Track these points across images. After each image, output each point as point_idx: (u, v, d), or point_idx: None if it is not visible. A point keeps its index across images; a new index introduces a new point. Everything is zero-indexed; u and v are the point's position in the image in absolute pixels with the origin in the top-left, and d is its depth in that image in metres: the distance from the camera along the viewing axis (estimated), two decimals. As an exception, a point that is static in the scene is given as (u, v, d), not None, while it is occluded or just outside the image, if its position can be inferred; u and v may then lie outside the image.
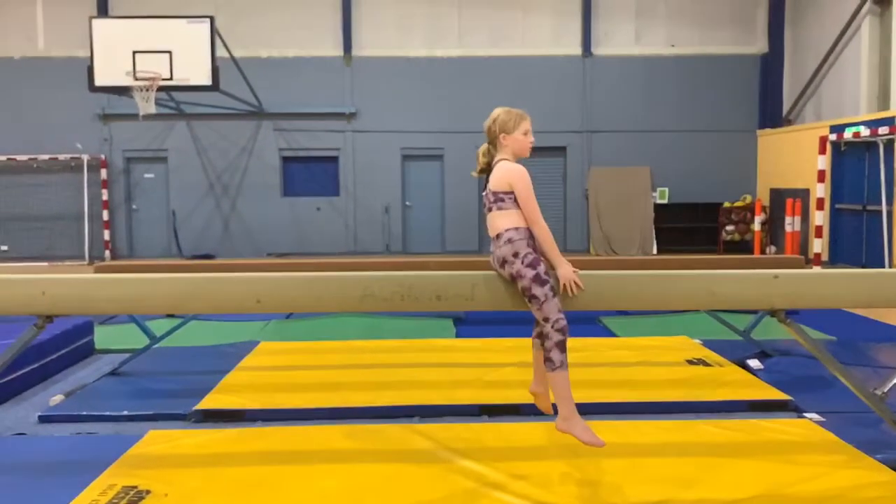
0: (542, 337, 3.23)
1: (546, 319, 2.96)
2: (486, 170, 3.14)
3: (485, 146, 3.16)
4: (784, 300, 3.11)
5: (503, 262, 3.01)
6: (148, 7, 12.65)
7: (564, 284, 3.00)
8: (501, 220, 3.02)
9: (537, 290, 2.94)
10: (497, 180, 3.04)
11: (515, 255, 2.97)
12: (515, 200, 3.01)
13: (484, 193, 3.12)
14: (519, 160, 3.10)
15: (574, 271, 3.02)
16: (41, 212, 13.52)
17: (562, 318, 2.96)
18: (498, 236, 3.02)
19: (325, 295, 3.15)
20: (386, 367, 5.12)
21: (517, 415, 4.18)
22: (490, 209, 3.07)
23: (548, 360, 3.00)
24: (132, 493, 3.06)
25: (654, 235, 13.35)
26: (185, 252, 13.56)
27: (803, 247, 11.44)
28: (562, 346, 2.98)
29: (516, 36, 13.78)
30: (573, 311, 3.07)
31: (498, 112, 3.11)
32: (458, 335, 6.37)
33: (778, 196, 12.86)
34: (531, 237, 3.01)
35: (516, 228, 2.99)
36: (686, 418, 4.07)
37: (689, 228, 13.57)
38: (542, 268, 2.97)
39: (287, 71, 13.48)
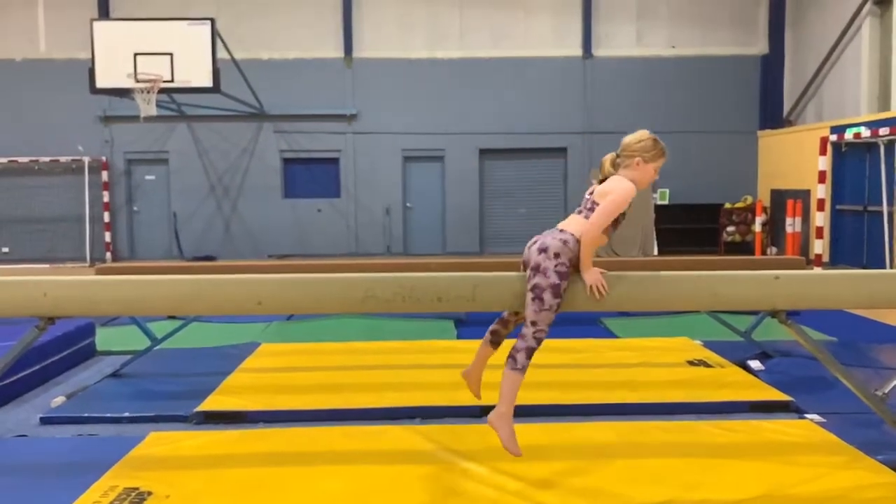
0: (497, 335, 3.26)
1: (534, 323, 2.97)
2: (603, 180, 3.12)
3: (613, 156, 3.13)
4: (785, 301, 3.11)
5: (543, 250, 2.96)
6: (149, 9, 12.66)
7: (591, 286, 2.98)
8: (576, 225, 3.00)
9: (548, 297, 2.94)
10: (603, 191, 3.02)
11: (557, 255, 2.94)
12: (614, 222, 3.00)
13: (585, 196, 3.08)
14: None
15: (602, 273, 3.01)
16: (42, 214, 13.54)
17: (546, 331, 2.99)
18: (561, 231, 3.01)
19: (327, 296, 3.15)
20: (387, 368, 5.13)
21: (518, 416, 4.16)
22: (580, 212, 3.05)
23: (513, 358, 3.01)
24: (133, 494, 3.06)
25: (654, 236, 13.34)
26: (187, 254, 13.57)
27: (804, 248, 11.44)
28: (531, 354, 3.01)
29: (517, 37, 13.79)
30: (574, 311, 3.07)
31: (646, 136, 3.09)
32: (459, 336, 6.37)
33: (779, 197, 12.86)
34: (577, 258, 2.99)
35: (578, 240, 2.97)
36: (687, 419, 4.06)
37: (690, 229, 13.56)
38: (565, 283, 2.97)
39: (288, 72, 13.50)
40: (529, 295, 2.98)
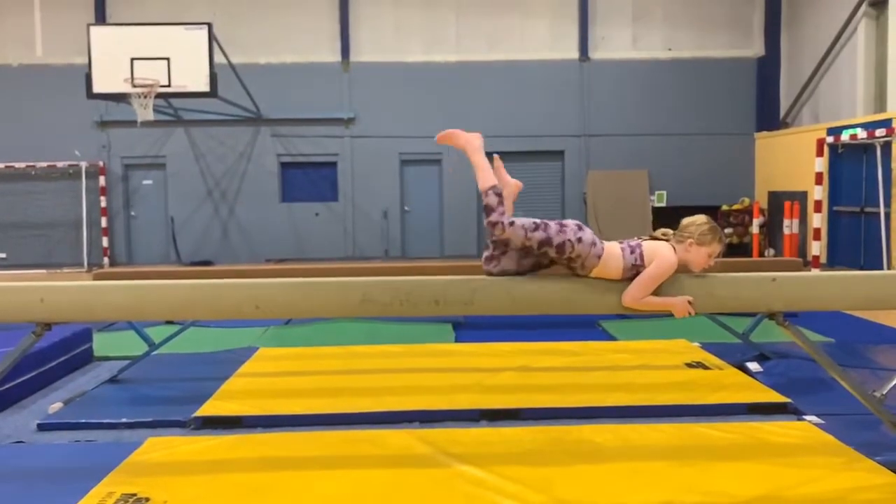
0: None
1: (512, 224, 3.01)
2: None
3: (670, 231, 3.14)
4: (782, 303, 3.11)
5: (580, 227, 3.04)
6: (146, 14, 12.67)
7: (685, 314, 3.03)
8: (609, 247, 3.04)
9: (538, 234, 3.01)
10: (653, 249, 3.04)
11: (581, 240, 2.99)
12: (628, 269, 3.01)
13: (639, 240, 3.10)
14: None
15: (686, 299, 3.03)
16: (39, 219, 13.52)
17: (507, 224, 3.01)
18: (594, 244, 3.03)
19: (324, 300, 3.15)
20: (385, 372, 5.12)
21: (517, 419, 4.17)
22: (621, 242, 3.08)
23: (487, 207, 3.09)
24: (131, 500, 3.05)
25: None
26: (184, 258, 13.55)
27: (802, 249, 11.46)
28: (489, 209, 3.08)
29: (514, 41, 13.81)
30: (573, 314, 3.07)
31: (704, 221, 3.09)
32: (457, 340, 6.37)
33: (776, 199, 12.88)
34: (586, 265, 3.02)
35: (599, 256, 3.00)
36: (685, 421, 4.06)
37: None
38: (541, 234, 3.01)
39: (285, 77, 13.50)
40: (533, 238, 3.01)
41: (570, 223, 3.07)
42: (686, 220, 3.12)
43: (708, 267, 3.11)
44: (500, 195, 3.08)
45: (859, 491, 3.07)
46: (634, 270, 3.03)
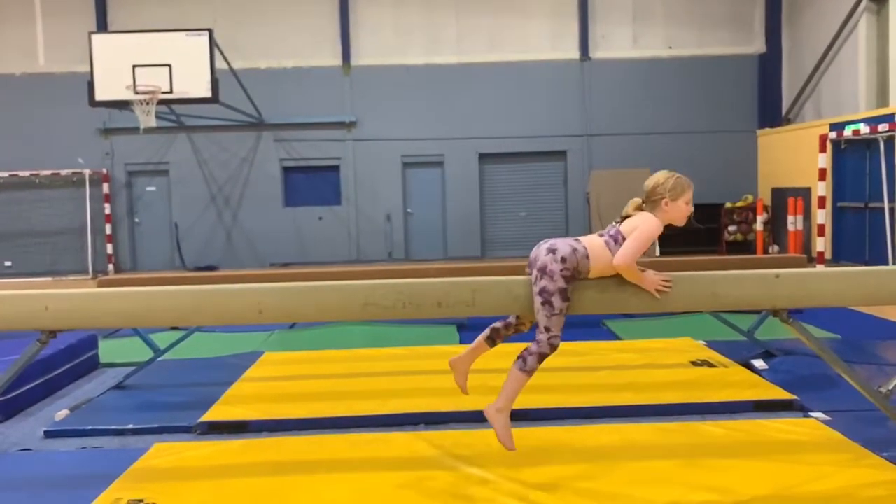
0: (497, 335, 3.27)
1: (547, 329, 2.99)
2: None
3: (638, 201, 3.11)
4: (786, 300, 3.11)
5: (552, 251, 2.98)
6: (147, 21, 12.71)
7: (655, 291, 3.01)
8: (595, 245, 3.02)
9: (556, 301, 2.96)
10: (631, 224, 3.02)
11: (564, 260, 2.96)
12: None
13: (615, 226, 3.06)
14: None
15: (655, 274, 3.03)
16: (44, 227, 13.57)
17: (559, 336, 3.01)
18: (576, 240, 3.03)
19: (327, 304, 3.15)
20: (390, 375, 5.12)
21: (523, 420, 4.16)
22: (601, 235, 3.06)
23: (523, 359, 3.04)
24: (138, 506, 3.06)
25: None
26: (188, 264, 13.58)
27: (806, 245, 11.43)
28: (542, 359, 3.04)
29: (514, 41, 13.82)
30: (577, 314, 3.07)
31: (666, 176, 3.07)
32: (461, 341, 6.36)
33: (780, 195, 12.85)
34: (585, 273, 3.00)
35: (586, 256, 2.99)
36: (691, 420, 4.06)
37: (691, 229, 13.53)
38: (571, 287, 2.99)
39: (286, 81, 13.53)
40: (539, 300, 2.99)
41: (546, 260, 2.98)
42: (650, 183, 3.09)
43: (689, 213, 3.10)
44: (522, 359, 3.05)
45: (866, 487, 3.06)
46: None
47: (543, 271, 2.97)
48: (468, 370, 3.39)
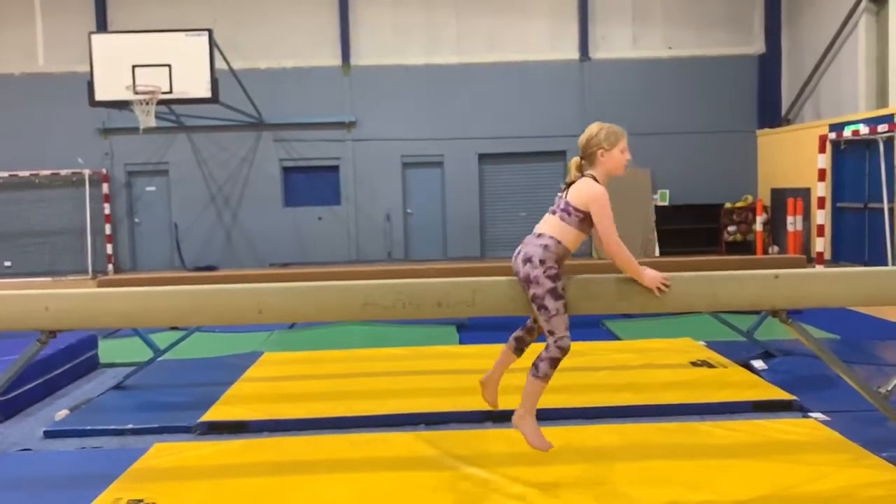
0: (521, 342, 3.26)
1: (551, 333, 2.97)
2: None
3: (577, 160, 3.11)
4: (784, 300, 3.11)
5: (528, 260, 2.97)
6: (147, 21, 12.71)
7: (655, 290, 3.00)
8: (553, 227, 3.00)
9: (549, 303, 2.95)
10: (576, 193, 3.00)
11: (542, 261, 2.95)
12: (581, 221, 2.98)
13: (559, 195, 3.07)
14: (611, 177, 3.07)
15: (660, 275, 3.01)
16: (44, 227, 13.57)
17: (567, 336, 2.98)
18: (539, 235, 3.01)
19: (327, 304, 3.15)
20: (390, 375, 5.13)
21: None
22: (554, 212, 3.04)
23: (535, 366, 3.01)
24: (138, 506, 3.06)
25: (655, 238, 13.35)
26: (188, 264, 13.58)
27: (806, 246, 11.43)
28: (555, 363, 3.00)
29: (514, 42, 13.82)
30: (576, 314, 3.08)
31: (598, 127, 3.06)
32: (461, 342, 6.37)
33: (779, 196, 12.86)
34: (565, 256, 3.00)
35: (558, 242, 2.97)
36: (691, 420, 4.06)
37: (691, 230, 13.56)
38: (560, 283, 2.97)
39: (286, 81, 13.53)
40: (533, 306, 3.00)
41: (527, 270, 2.96)
42: (583, 138, 3.08)
43: (628, 161, 3.07)
44: (535, 365, 3.01)
45: (866, 487, 3.07)
46: (587, 221, 2.98)
47: (528, 281, 2.98)
48: (498, 385, 3.35)
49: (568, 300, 2.99)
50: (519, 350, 3.28)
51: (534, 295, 2.97)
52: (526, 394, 3.06)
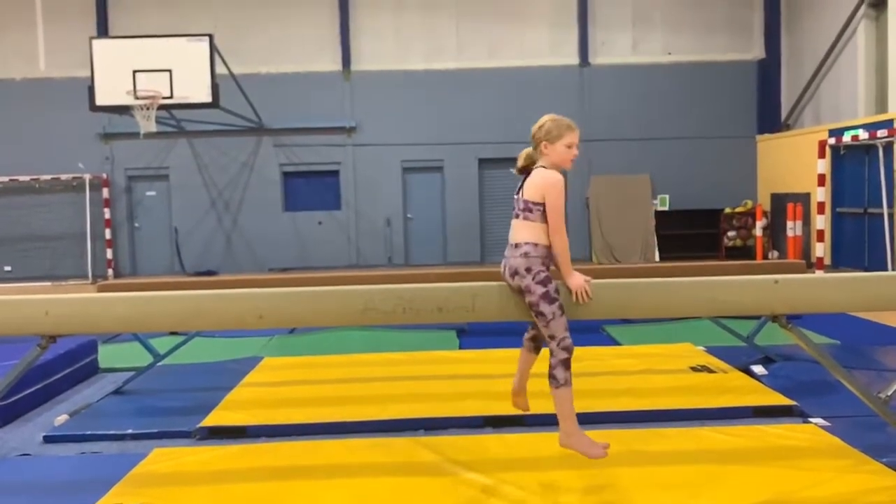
0: (535, 340, 3.27)
1: (552, 337, 2.98)
2: (524, 171, 3.10)
3: (528, 149, 3.11)
4: (784, 305, 3.11)
5: (514, 273, 2.99)
6: (147, 26, 12.74)
7: (576, 293, 3.01)
8: (524, 232, 3.00)
9: (545, 308, 2.96)
10: (531, 188, 3.01)
11: (528, 269, 2.96)
12: (544, 213, 2.97)
13: (515, 197, 3.08)
14: (560, 171, 3.04)
15: (586, 280, 3.03)
16: (44, 232, 13.57)
17: (568, 336, 2.98)
18: (516, 246, 3.01)
19: (327, 309, 3.16)
20: (390, 380, 5.12)
21: (521, 426, 4.17)
22: (517, 215, 3.04)
23: (552, 377, 3.02)
24: (138, 511, 3.06)
25: (655, 243, 13.36)
26: (188, 269, 13.58)
27: (806, 251, 11.43)
28: (566, 364, 3.00)
29: (514, 47, 13.85)
30: (576, 319, 3.08)
31: (546, 119, 3.06)
32: (461, 346, 6.37)
33: (779, 201, 12.87)
34: (548, 256, 3.00)
35: (535, 244, 2.97)
36: (691, 425, 4.06)
37: (691, 235, 13.57)
38: (552, 286, 2.98)
39: (286, 86, 13.56)
40: (531, 313, 3.02)
41: (517, 281, 2.99)
42: (533, 128, 3.07)
43: (574, 157, 3.05)
44: (553, 371, 3.02)
45: (866, 493, 3.06)
46: (540, 210, 2.97)
47: (520, 291, 3.00)
48: (526, 388, 3.39)
49: (563, 301, 3.00)
50: (536, 348, 3.31)
51: (529, 303, 3.00)
52: (560, 412, 3.05)
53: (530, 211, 2.99)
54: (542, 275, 2.97)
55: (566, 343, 2.98)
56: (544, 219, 2.98)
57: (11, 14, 13.52)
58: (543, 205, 2.97)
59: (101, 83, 10.55)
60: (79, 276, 13.31)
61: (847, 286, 3.19)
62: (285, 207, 13.91)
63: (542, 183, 2.98)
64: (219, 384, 5.04)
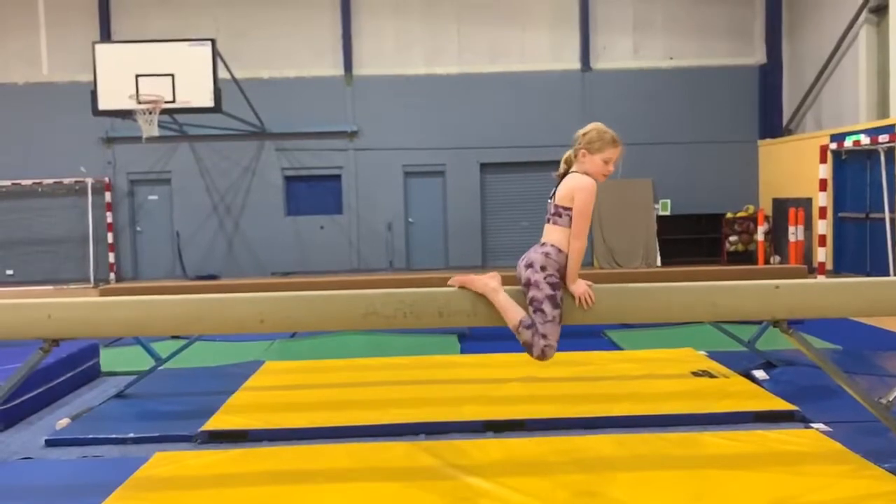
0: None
1: (544, 336, 2.99)
2: (563, 175, 3.12)
3: (570, 153, 3.12)
4: (785, 311, 3.11)
5: (529, 265, 3.03)
6: (150, 31, 12.79)
7: (579, 298, 3.03)
8: (554, 234, 3.04)
9: (548, 308, 2.98)
10: (563, 192, 3.04)
11: (543, 268, 3.00)
12: (572, 218, 3.00)
13: (548, 202, 3.10)
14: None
15: (589, 285, 3.05)
16: (46, 235, 13.60)
17: (554, 346, 3.01)
18: (542, 244, 3.05)
19: (328, 313, 3.16)
20: (391, 384, 5.12)
21: (523, 430, 4.17)
22: (548, 220, 3.07)
23: (527, 327, 3.00)
24: (139, 515, 3.06)
25: (657, 247, 13.36)
26: (190, 273, 13.60)
27: (807, 256, 11.43)
28: (531, 351, 3.02)
29: (515, 52, 13.88)
30: (578, 324, 3.08)
31: (592, 128, 3.07)
32: (462, 351, 6.37)
33: (780, 206, 12.87)
34: (565, 266, 3.02)
35: (559, 250, 3.01)
36: (692, 430, 4.05)
37: (692, 240, 13.58)
38: (560, 293, 3.01)
39: (288, 91, 13.59)
40: (531, 309, 3.02)
41: (528, 274, 3.01)
42: (578, 133, 3.09)
43: (609, 173, 3.06)
44: (531, 327, 3.00)
45: (867, 499, 3.06)
46: (569, 215, 3.00)
47: (529, 284, 3.02)
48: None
49: (564, 311, 3.02)
50: None
51: (532, 298, 3.00)
52: (508, 304, 3.04)
53: (559, 216, 3.03)
54: (554, 279, 3.00)
55: (550, 352, 3.00)
56: (568, 223, 3.01)
57: (14, 18, 13.57)
58: (572, 210, 3.00)
59: (103, 87, 10.59)
60: (81, 280, 13.33)
61: (849, 291, 3.19)
62: (287, 211, 13.93)
63: (574, 185, 3.02)
64: (220, 388, 5.05)
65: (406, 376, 5.34)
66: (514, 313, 3.04)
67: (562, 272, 3.03)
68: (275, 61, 13.64)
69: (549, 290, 2.98)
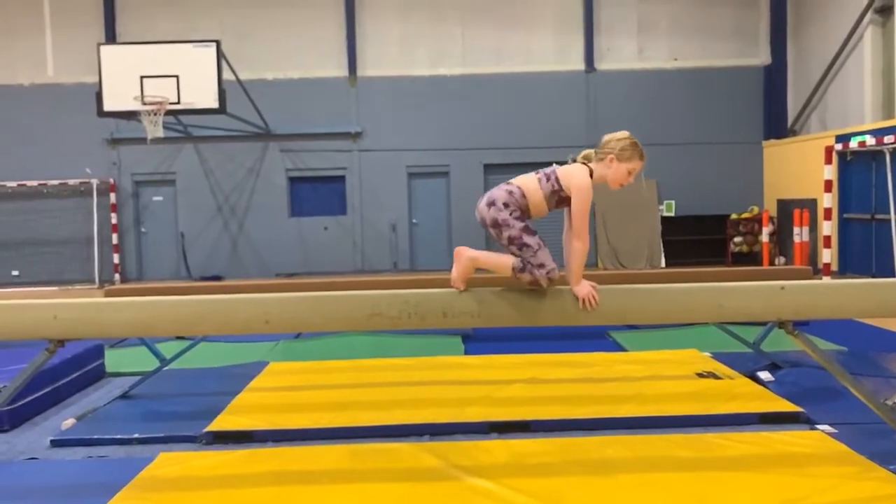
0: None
1: (541, 266, 2.99)
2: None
3: (590, 151, 3.13)
4: (790, 312, 3.10)
5: (490, 203, 3.03)
6: (155, 33, 12.82)
7: (583, 299, 3.02)
8: (525, 181, 3.05)
9: (529, 240, 2.99)
10: (566, 174, 3.04)
11: (507, 205, 3.01)
12: (553, 194, 3.01)
13: (555, 168, 3.09)
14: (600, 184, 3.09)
15: (593, 286, 3.05)
16: (51, 236, 13.64)
17: (555, 268, 3.00)
18: (509, 183, 3.06)
19: (333, 314, 3.16)
20: (395, 385, 5.12)
21: (527, 431, 4.17)
22: (537, 173, 3.08)
23: (523, 269, 3.01)
24: (144, 516, 3.06)
25: (661, 248, 13.34)
26: (194, 274, 13.62)
27: (812, 257, 11.40)
28: (534, 286, 3.03)
29: (519, 53, 13.88)
30: (582, 326, 3.08)
31: (626, 136, 3.07)
32: (466, 352, 6.36)
33: (785, 207, 12.83)
34: (525, 212, 3.02)
35: (523, 195, 3.01)
36: (697, 432, 4.05)
37: (697, 241, 13.55)
38: (529, 222, 3.02)
39: (293, 92, 13.61)
40: (514, 248, 3.02)
41: (492, 213, 3.03)
42: (607, 136, 3.10)
43: (626, 184, 3.09)
44: (524, 268, 3.00)
45: (873, 500, 3.05)
46: (556, 196, 3.03)
47: (497, 225, 3.02)
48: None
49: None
50: None
51: (510, 237, 3.00)
52: (490, 257, 3.09)
53: (548, 180, 3.03)
54: (518, 214, 3.01)
55: (554, 274, 2.99)
56: (550, 197, 3.02)
57: (20, 20, 13.62)
58: (561, 191, 3.02)
59: (108, 89, 10.63)
60: (86, 281, 13.37)
61: (854, 292, 3.18)
62: (291, 213, 13.95)
63: (576, 180, 3.01)
64: (225, 389, 5.05)
65: (410, 377, 5.34)
66: (503, 264, 3.05)
67: (523, 211, 3.03)
68: (279, 63, 13.66)
69: (520, 224, 2.99)
